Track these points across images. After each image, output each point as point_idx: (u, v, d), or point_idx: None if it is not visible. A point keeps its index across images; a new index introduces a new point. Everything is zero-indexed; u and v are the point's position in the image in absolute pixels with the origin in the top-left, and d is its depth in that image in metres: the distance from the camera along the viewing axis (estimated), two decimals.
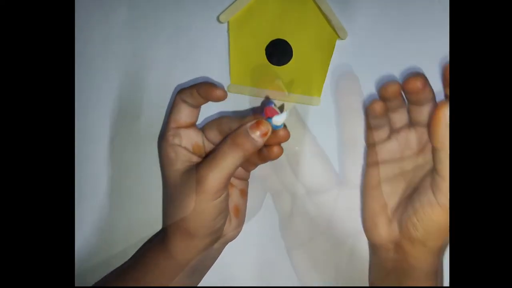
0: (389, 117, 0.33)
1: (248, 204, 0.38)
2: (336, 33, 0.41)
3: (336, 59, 0.42)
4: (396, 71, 0.42)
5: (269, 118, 0.30)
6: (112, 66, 0.43)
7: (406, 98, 0.31)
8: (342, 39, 0.41)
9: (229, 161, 0.28)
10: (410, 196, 0.29)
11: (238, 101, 0.42)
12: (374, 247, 0.31)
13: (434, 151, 0.27)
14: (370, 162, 0.33)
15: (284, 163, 0.29)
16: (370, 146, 0.33)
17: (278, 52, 0.42)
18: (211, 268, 0.41)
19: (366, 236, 0.32)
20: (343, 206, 0.28)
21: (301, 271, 0.30)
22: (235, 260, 0.42)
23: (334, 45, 0.41)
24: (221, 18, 0.41)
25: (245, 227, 0.40)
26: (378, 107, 0.32)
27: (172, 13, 0.43)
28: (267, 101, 0.32)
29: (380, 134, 0.33)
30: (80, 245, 0.42)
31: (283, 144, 0.31)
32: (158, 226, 0.41)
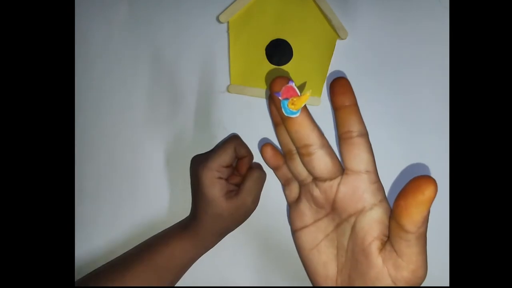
0: (288, 167, 0.30)
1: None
2: (337, 33, 0.41)
3: (336, 59, 0.42)
4: (396, 70, 0.42)
5: (285, 99, 0.24)
6: (112, 66, 0.43)
7: (294, 144, 0.27)
8: (342, 39, 0.41)
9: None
10: (350, 269, 0.26)
11: (238, 101, 0.42)
12: None
13: (401, 232, 0.22)
14: (292, 227, 0.30)
15: (294, 155, 0.29)
16: (289, 206, 0.31)
17: (278, 52, 0.42)
18: (211, 268, 0.41)
19: None
20: (346, 188, 0.26)
21: (304, 252, 0.29)
22: (235, 260, 0.42)
23: (335, 45, 0.41)
24: (221, 18, 0.41)
25: (245, 227, 0.40)
26: (269, 153, 0.31)
27: (172, 14, 0.43)
28: (285, 80, 0.25)
29: (291, 192, 0.30)
30: (80, 245, 0.42)
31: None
32: (160, 226, 0.41)
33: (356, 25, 0.42)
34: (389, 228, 0.24)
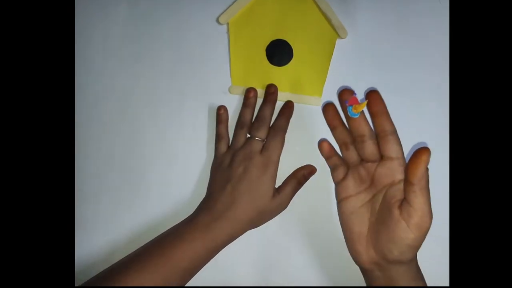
0: (342, 155, 0.39)
1: None
2: (336, 32, 0.41)
3: (336, 58, 0.42)
4: (396, 70, 0.42)
5: (350, 106, 0.35)
6: (112, 66, 0.43)
7: (353, 135, 0.37)
8: (342, 38, 0.41)
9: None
10: (377, 224, 0.35)
11: (240, 102, 0.42)
12: (362, 270, 0.37)
13: (409, 185, 0.32)
14: (338, 198, 0.38)
15: (350, 146, 0.37)
16: (335, 184, 0.39)
17: (278, 52, 0.42)
18: (211, 269, 0.41)
19: (354, 261, 0.37)
20: (383, 169, 0.35)
21: (344, 216, 0.37)
22: (235, 260, 0.42)
23: (334, 44, 0.41)
24: (220, 19, 0.41)
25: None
26: (326, 147, 0.40)
27: (172, 14, 0.43)
28: (351, 92, 0.36)
29: (338, 174, 0.39)
30: (80, 247, 0.42)
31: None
32: (159, 225, 0.41)
33: (356, 25, 0.42)
34: (404, 187, 0.33)
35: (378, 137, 0.35)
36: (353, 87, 0.42)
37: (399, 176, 0.34)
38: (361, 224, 0.36)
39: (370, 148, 0.36)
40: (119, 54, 0.43)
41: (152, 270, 0.35)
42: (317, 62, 0.42)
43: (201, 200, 0.40)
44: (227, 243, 0.38)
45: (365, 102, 0.34)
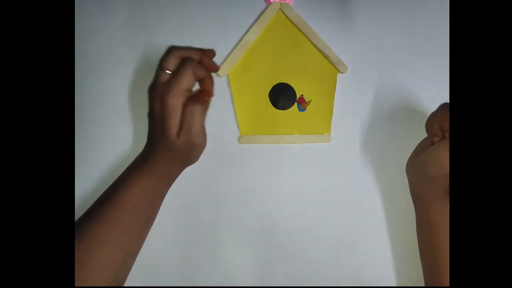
0: None
1: (248, 205, 0.42)
2: (336, 68, 0.41)
3: (339, 92, 0.42)
4: (396, 71, 0.43)
5: (299, 103, 0.42)
6: (112, 66, 0.43)
7: None
8: (342, 73, 0.41)
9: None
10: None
11: (251, 150, 0.42)
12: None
13: None
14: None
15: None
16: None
17: (282, 96, 0.42)
18: (211, 268, 0.41)
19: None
20: None
21: None
22: (235, 260, 0.42)
23: (336, 80, 0.42)
24: (220, 72, 0.41)
25: (245, 227, 0.41)
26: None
27: (172, 15, 0.43)
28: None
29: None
30: None
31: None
32: (158, 223, 0.40)
33: (357, 25, 0.42)
34: None
35: None
36: (359, 117, 0.42)
37: None
38: None
39: None
40: (119, 55, 0.43)
41: (103, 217, 0.36)
42: (321, 100, 0.42)
43: (204, 199, 0.42)
44: (171, 176, 0.39)
45: (310, 101, 0.41)
